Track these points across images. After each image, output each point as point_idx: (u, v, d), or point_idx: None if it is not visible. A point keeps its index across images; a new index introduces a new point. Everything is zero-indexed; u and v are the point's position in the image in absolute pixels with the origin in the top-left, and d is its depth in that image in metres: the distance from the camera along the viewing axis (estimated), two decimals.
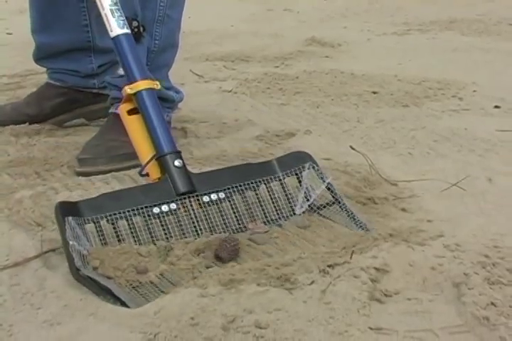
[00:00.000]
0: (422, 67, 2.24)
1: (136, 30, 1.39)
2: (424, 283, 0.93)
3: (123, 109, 1.16)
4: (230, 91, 2.02)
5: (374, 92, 1.94)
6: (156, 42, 1.45)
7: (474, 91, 1.94)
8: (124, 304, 0.88)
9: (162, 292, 0.92)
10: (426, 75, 2.11)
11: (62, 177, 1.36)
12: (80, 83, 1.63)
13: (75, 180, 1.34)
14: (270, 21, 3.37)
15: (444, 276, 0.94)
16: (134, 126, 1.14)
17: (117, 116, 1.49)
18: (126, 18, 1.41)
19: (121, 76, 1.59)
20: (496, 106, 1.78)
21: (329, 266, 0.94)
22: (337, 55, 2.53)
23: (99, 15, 1.58)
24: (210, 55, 2.56)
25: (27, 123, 1.60)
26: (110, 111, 1.52)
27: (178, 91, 1.56)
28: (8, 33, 2.98)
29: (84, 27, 1.60)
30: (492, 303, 0.86)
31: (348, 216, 1.10)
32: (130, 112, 1.15)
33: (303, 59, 2.47)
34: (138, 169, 1.37)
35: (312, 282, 0.92)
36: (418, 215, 1.12)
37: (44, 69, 1.70)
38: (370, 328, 0.82)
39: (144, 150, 1.12)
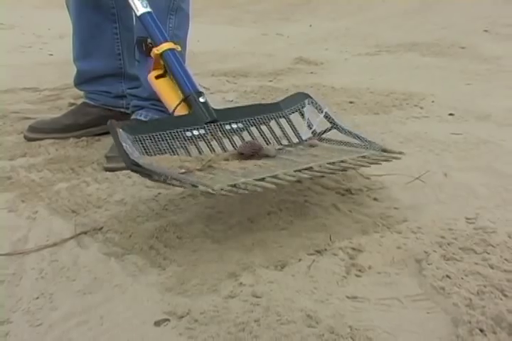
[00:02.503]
0: (389, 81, 2.24)
1: (150, 45, 1.38)
2: (391, 259, 0.92)
3: (152, 76, 1.19)
4: (232, 101, 2.01)
5: (350, 102, 1.94)
6: None
7: (432, 101, 1.93)
8: (175, 180, 0.87)
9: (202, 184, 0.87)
10: (393, 88, 2.11)
11: (92, 173, 1.35)
12: (111, 102, 1.62)
13: (103, 174, 1.33)
14: (265, 44, 3.37)
15: (408, 254, 0.93)
16: (162, 86, 1.17)
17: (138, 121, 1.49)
18: (141, 37, 1.41)
19: (138, 87, 1.58)
20: (450, 114, 1.77)
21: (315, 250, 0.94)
22: (320, 71, 2.52)
23: (130, 46, 1.59)
24: (216, 71, 2.55)
25: (63, 133, 1.58)
26: (132, 117, 1.51)
27: None
28: (50, 54, 2.97)
29: (117, 55, 1.59)
30: (447, 276, 0.85)
31: (349, 135, 1.11)
32: (157, 77, 1.18)
33: (292, 74, 2.46)
34: None
35: (300, 260, 0.91)
36: (387, 203, 1.12)
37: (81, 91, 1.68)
38: (347, 297, 0.82)
39: (173, 98, 1.14)
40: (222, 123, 1.07)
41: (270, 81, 2.34)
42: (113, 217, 1.09)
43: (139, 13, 1.21)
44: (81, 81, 1.62)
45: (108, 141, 1.54)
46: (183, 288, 0.85)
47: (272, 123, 1.12)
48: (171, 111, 1.13)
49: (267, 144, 1.09)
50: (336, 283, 0.85)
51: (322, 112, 1.13)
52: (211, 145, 1.05)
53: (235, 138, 1.07)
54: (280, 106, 1.15)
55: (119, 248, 0.99)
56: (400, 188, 1.17)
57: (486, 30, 3.23)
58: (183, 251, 0.96)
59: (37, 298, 0.85)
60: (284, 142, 1.12)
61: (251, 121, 1.10)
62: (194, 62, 1.52)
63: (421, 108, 1.86)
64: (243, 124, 1.09)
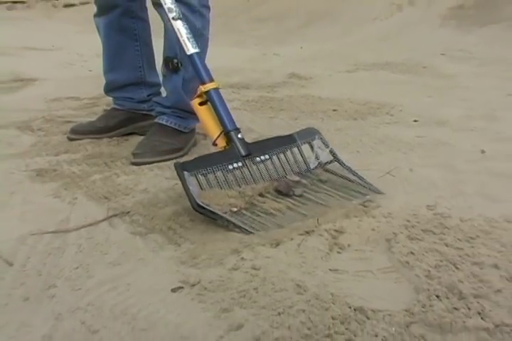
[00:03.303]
0: (366, 93, 2.22)
1: (176, 65, 1.38)
2: (367, 239, 0.91)
3: (195, 102, 1.16)
4: (236, 108, 2.00)
5: (334, 110, 1.92)
6: (188, 73, 1.42)
7: (400, 110, 1.92)
8: (230, 222, 0.92)
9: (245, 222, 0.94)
10: (369, 99, 2.09)
11: (121, 166, 1.34)
12: (134, 107, 1.61)
13: (130, 168, 1.32)
14: (264, 61, 3.34)
15: (380, 235, 0.92)
16: (203, 113, 1.14)
17: (160, 124, 1.48)
18: (168, 57, 1.39)
19: (157, 93, 1.58)
20: (415, 120, 1.76)
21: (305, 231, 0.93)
22: (309, 84, 2.50)
23: (148, 59, 1.58)
24: (223, 84, 2.52)
25: (98, 134, 1.57)
26: (155, 120, 1.49)
27: None
28: (89, 70, 2.95)
29: (139, 68, 1.57)
30: (411, 252, 0.85)
31: (348, 170, 1.12)
32: (200, 104, 1.15)
33: (286, 87, 2.44)
34: (173, 161, 1.37)
35: (291, 239, 0.91)
36: None
37: (110, 97, 1.67)
38: (330, 270, 0.82)
39: (213, 128, 1.12)
40: (253, 156, 1.07)
41: (268, 92, 2.32)
42: (138, 203, 1.08)
43: (189, 53, 1.15)
44: (109, 89, 1.61)
45: (134, 140, 1.53)
46: (194, 261, 0.85)
47: (288, 153, 1.12)
48: (212, 138, 1.11)
49: (287, 174, 1.09)
50: (321, 258, 0.85)
51: (328, 147, 1.14)
52: (246, 176, 1.05)
53: (263, 169, 1.07)
54: (295, 138, 1.14)
55: (143, 228, 0.98)
56: (374, 181, 1.16)
57: (442, 54, 3.21)
58: (195, 232, 0.95)
59: (76, 267, 0.84)
60: (296, 169, 1.12)
61: (274, 152, 1.10)
62: None
63: (391, 115, 1.85)
64: (269, 156, 1.09)
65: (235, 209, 0.96)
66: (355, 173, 1.11)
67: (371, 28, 4.14)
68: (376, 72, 2.82)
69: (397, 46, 3.61)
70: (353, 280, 0.79)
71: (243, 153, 1.07)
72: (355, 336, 0.66)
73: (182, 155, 1.40)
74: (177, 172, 0.99)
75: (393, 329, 0.67)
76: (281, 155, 1.11)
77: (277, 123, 1.75)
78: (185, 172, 0.98)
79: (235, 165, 1.04)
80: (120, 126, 1.59)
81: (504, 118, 1.74)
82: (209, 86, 1.13)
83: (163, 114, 1.47)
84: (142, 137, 1.48)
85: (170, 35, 1.36)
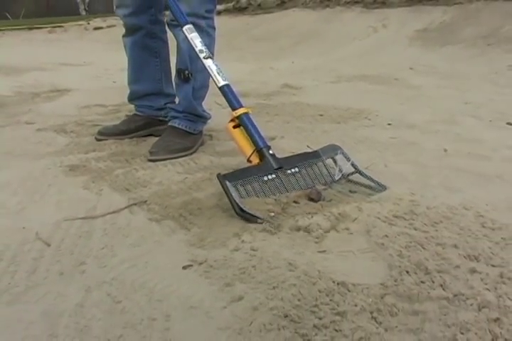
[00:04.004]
0: (347, 101, 2.20)
1: (187, 76, 1.36)
2: (352, 223, 0.90)
3: (230, 126, 1.09)
4: None
5: (320, 115, 1.90)
6: (197, 83, 1.40)
7: (377, 115, 1.90)
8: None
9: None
10: (350, 106, 2.07)
11: (140, 162, 1.32)
12: (153, 113, 1.59)
13: (147, 164, 1.31)
14: (261, 74, 3.31)
15: (364, 221, 0.90)
16: (237, 134, 1.09)
17: (173, 127, 1.46)
18: (180, 68, 1.37)
19: (173, 102, 1.54)
20: (389, 124, 1.74)
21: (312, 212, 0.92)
22: (299, 93, 2.48)
23: (166, 73, 1.55)
24: None
25: (120, 135, 1.55)
26: (169, 124, 1.48)
27: (208, 113, 1.52)
28: (113, 82, 2.93)
29: (158, 80, 1.55)
30: (386, 236, 0.84)
31: (367, 179, 1.08)
32: (234, 127, 1.10)
33: (280, 95, 2.42)
34: (184, 158, 1.35)
35: (297, 220, 0.89)
36: None
37: (132, 105, 1.65)
38: (318, 251, 0.80)
39: (246, 147, 1.07)
40: (284, 168, 1.02)
41: (264, 100, 2.30)
42: (154, 194, 1.07)
43: (219, 85, 1.12)
44: (132, 98, 1.60)
45: (151, 140, 1.51)
46: (202, 243, 0.84)
47: (314, 167, 1.07)
48: (246, 157, 1.06)
49: (315, 184, 1.03)
50: (311, 240, 0.83)
51: (349, 160, 1.10)
52: (279, 186, 1.00)
53: (293, 180, 1.02)
54: (320, 154, 1.09)
55: (158, 215, 0.97)
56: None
57: (411, 68, 3.19)
58: (202, 218, 0.94)
59: (102, 248, 0.83)
60: (322, 181, 1.05)
61: (303, 166, 1.04)
62: (211, 86, 1.49)
63: (369, 119, 1.83)
64: (298, 168, 1.03)
65: (272, 214, 0.91)
66: (374, 181, 1.06)
67: (351, 47, 4.11)
68: (356, 83, 2.80)
69: (373, 62, 3.59)
70: (337, 259, 0.78)
71: (275, 166, 1.01)
72: (338, 306, 0.65)
73: (191, 153, 1.39)
74: (220, 182, 0.94)
75: (370, 299, 0.66)
76: (309, 169, 1.05)
77: (272, 126, 1.73)
78: (227, 182, 0.93)
79: (269, 176, 0.99)
80: (140, 129, 1.58)
81: (462, 122, 1.73)
82: (240, 111, 1.09)
83: (176, 117, 1.46)
84: (158, 138, 1.46)
85: (181, 51, 1.36)
